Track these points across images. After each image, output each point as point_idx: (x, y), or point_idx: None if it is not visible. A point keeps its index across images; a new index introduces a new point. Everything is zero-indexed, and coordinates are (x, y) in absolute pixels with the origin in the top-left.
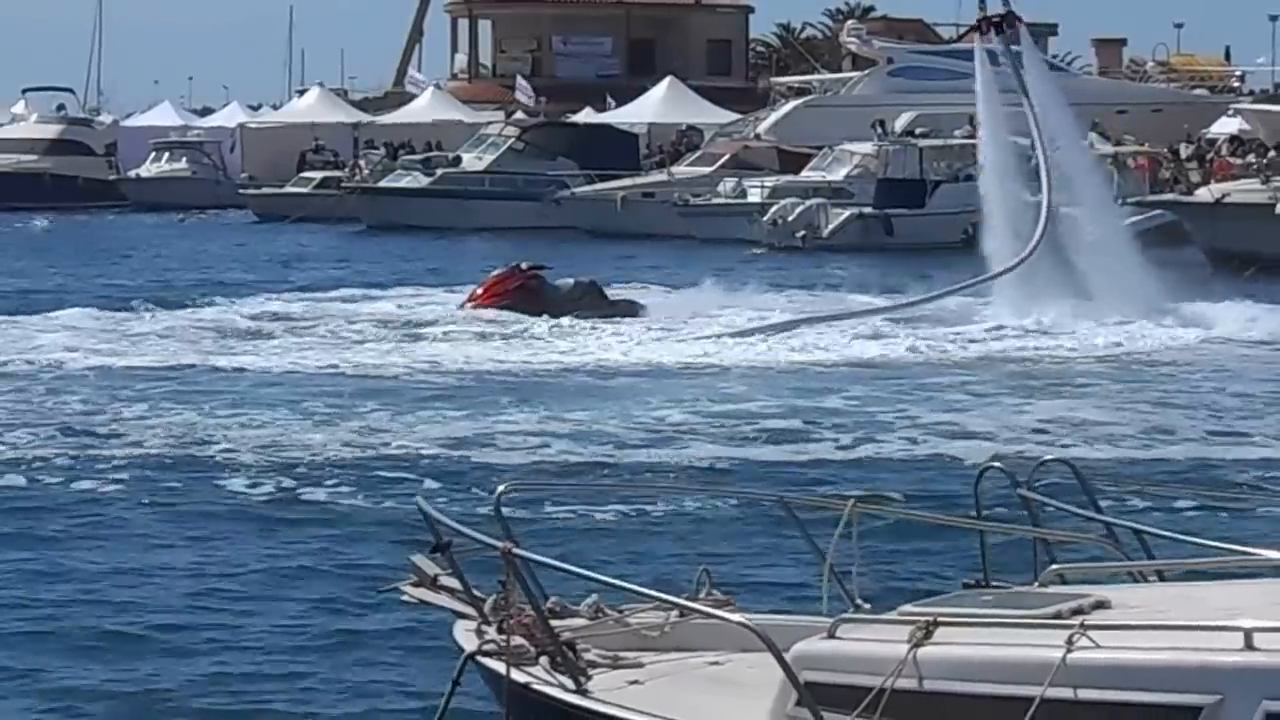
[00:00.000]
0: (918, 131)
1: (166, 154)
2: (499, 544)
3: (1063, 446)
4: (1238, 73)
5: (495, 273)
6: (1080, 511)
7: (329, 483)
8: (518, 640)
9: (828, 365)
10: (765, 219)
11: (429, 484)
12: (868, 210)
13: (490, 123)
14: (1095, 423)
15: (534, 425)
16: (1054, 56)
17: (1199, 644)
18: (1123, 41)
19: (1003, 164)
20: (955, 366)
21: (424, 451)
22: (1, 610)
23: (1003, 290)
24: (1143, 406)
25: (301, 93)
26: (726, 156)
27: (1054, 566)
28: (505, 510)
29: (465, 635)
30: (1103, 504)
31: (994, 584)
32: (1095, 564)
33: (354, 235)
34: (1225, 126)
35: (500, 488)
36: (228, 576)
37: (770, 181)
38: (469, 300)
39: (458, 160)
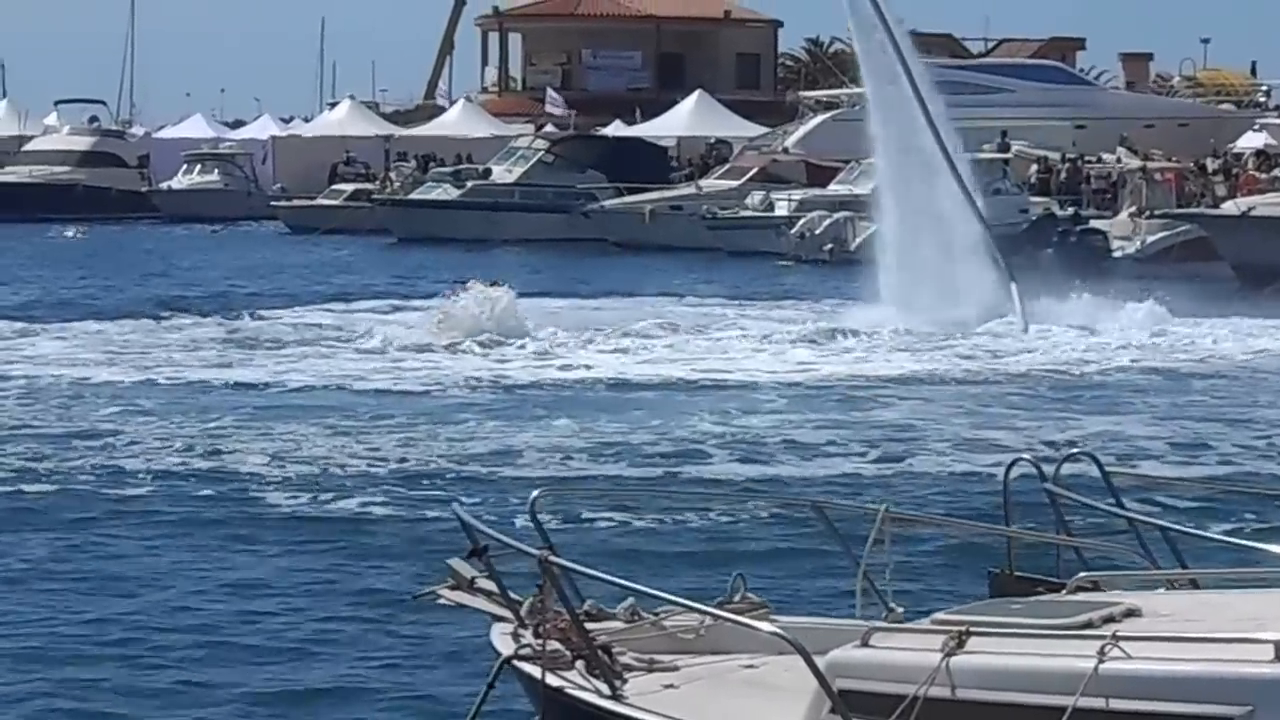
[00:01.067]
0: None
1: (198, 166)
2: (534, 550)
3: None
4: (1264, 87)
5: None
6: (1105, 506)
7: (361, 492)
8: (553, 644)
9: (857, 379)
10: (793, 232)
11: (461, 493)
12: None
13: (520, 135)
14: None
15: (559, 439)
16: (1081, 71)
17: (1230, 655)
18: (1150, 56)
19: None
20: (985, 379)
21: (455, 462)
22: (37, 622)
23: (893, 291)
24: (1189, 420)
25: (333, 105)
26: (755, 170)
27: (1083, 574)
28: (540, 518)
29: (501, 639)
30: (1127, 501)
31: (1019, 575)
32: (1125, 572)
33: (384, 247)
34: (1251, 141)
35: (535, 493)
36: (263, 582)
37: (798, 195)
38: None
39: (488, 173)
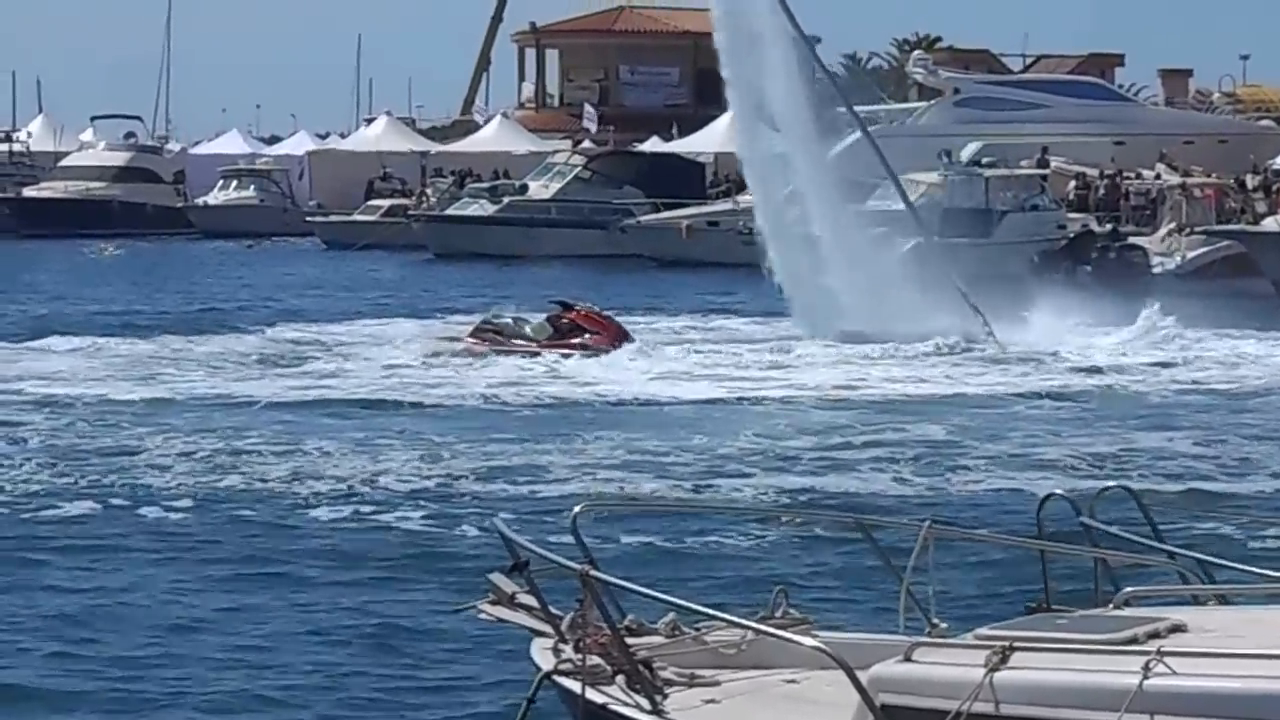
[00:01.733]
0: (984, 161)
1: (234, 181)
2: (575, 565)
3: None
4: None
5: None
6: (1142, 540)
7: (397, 507)
8: (594, 659)
9: (895, 395)
10: None
11: (498, 508)
12: (933, 239)
13: (557, 151)
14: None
15: (596, 454)
16: (1120, 87)
17: (1276, 671)
18: (1189, 72)
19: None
20: (1024, 397)
21: (492, 477)
22: (80, 643)
23: (800, 307)
24: (1236, 439)
25: (369, 121)
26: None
27: (1127, 589)
28: (581, 533)
29: (542, 654)
30: (1166, 530)
31: (1055, 606)
32: (1168, 588)
33: (420, 263)
34: None
35: (576, 508)
36: (301, 598)
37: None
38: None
39: (524, 188)
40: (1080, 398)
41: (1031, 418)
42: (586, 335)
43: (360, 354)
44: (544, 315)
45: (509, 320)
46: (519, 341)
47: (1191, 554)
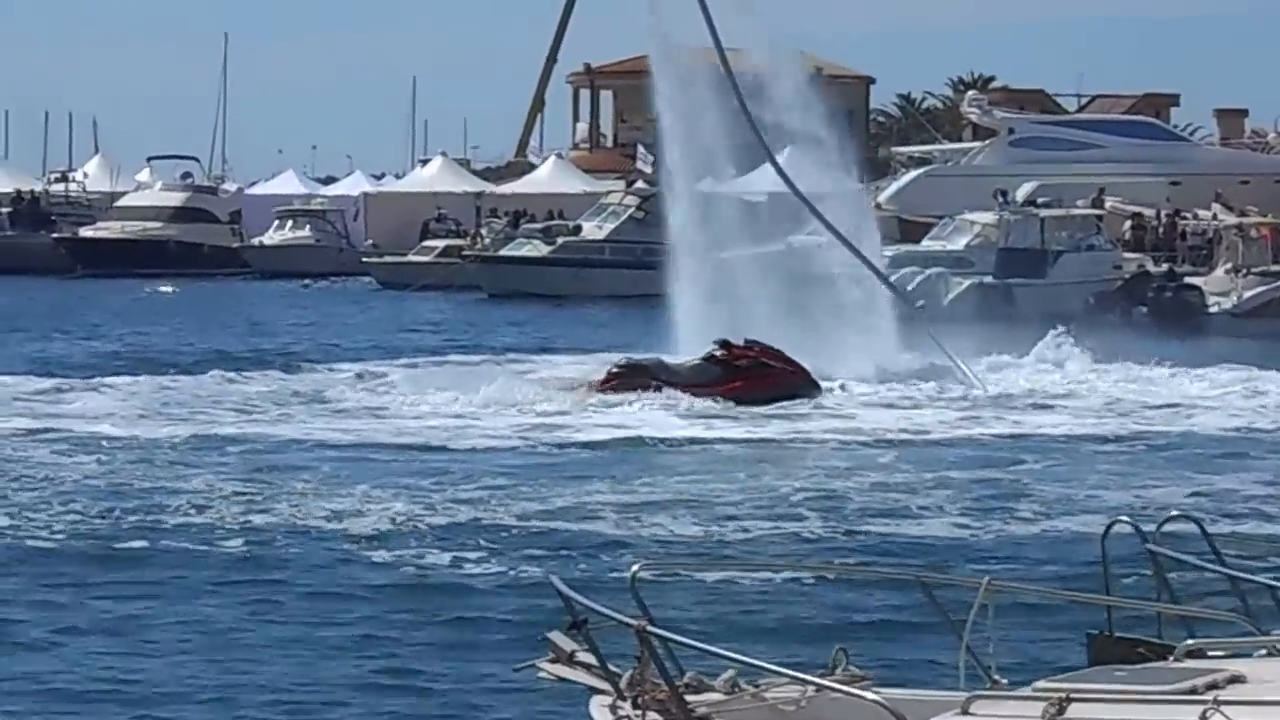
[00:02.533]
0: (1039, 201)
1: (290, 221)
2: (633, 621)
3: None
4: None
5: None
6: (1209, 566)
7: (447, 556)
8: (653, 715)
9: (948, 436)
10: None
11: (555, 555)
12: (988, 280)
13: (611, 192)
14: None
15: (647, 495)
16: (1176, 127)
17: None
18: (1244, 112)
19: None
20: (1080, 436)
21: (548, 523)
22: (150, 683)
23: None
24: None
25: (424, 162)
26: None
27: (1189, 641)
28: (638, 589)
29: (600, 711)
30: (1230, 561)
31: (1118, 636)
32: (1230, 639)
33: (474, 303)
34: None
35: (634, 568)
36: (353, 653)
37: (890, 250)
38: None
39: (578, 229)
40: (1140, 439)
41: (1080, 455)
42: (773, 371)
43: (409, 394)
44: (701, 355)
45: (653, 361)
46: (673, 383)
47: (1257, 580)
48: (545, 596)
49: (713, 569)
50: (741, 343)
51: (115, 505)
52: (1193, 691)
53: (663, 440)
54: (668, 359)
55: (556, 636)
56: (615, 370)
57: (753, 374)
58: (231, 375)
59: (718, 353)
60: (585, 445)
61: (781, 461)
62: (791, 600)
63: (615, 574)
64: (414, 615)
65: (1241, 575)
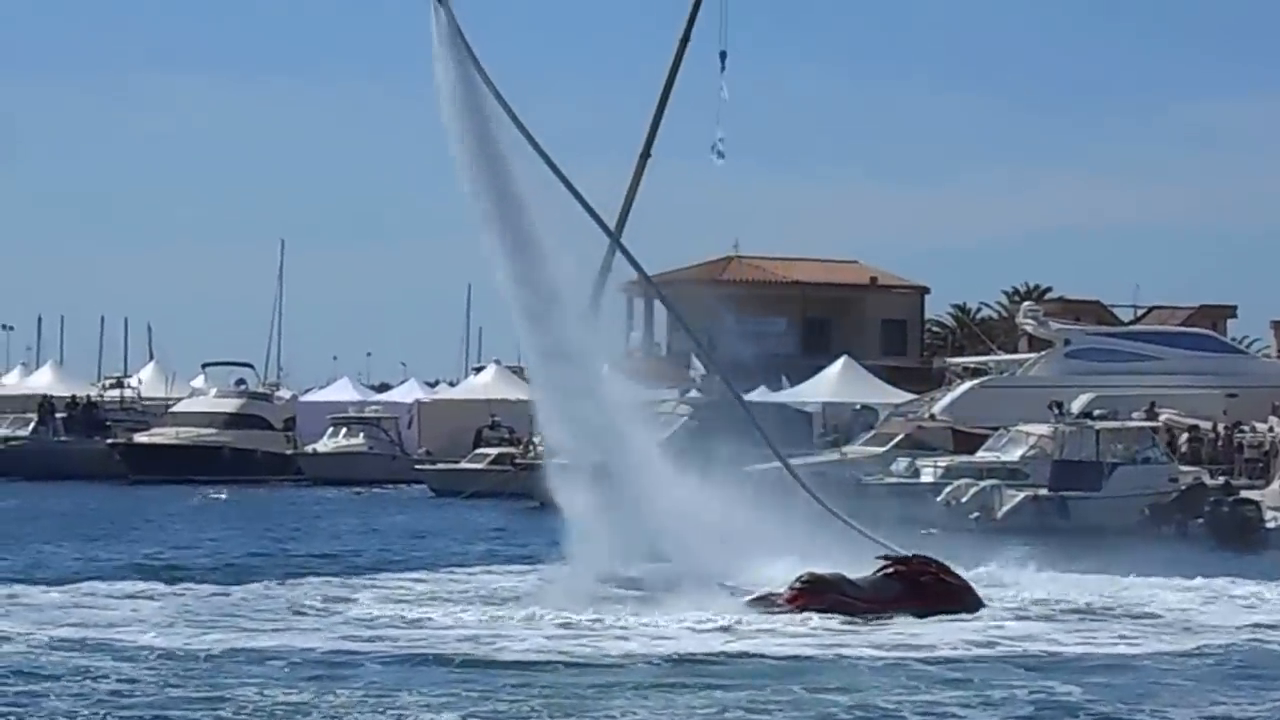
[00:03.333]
0: (1095, 413)
1: (344, 429)
2: None
3: None
4: None
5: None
6: None
7: None
8: None
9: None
10: (939, 499)
11: None
12: (1043, 492)
13: (664, 400)
14: None
15: (692, 704)
16: (1233, 339)
17: None
18: None
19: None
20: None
21: None
22: None
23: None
24: None
25: (478, 370)
26: (901, 435)
27: None
28: None
29: None
30: None
31: None
32: None
33: (526, 511)
34: None
35: None
36: None
37: (944, 462)
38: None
39: None
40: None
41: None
42: (953, 588)
43: (460, 602)
44: (875, 570)
45: (836, 576)
46: (859, 599)
47: None
48: None
49: None
50: (910, 556)
51: (161, 714)
52: None
53: (706, 652)
54: (847, 574)
55: None
56: (801, 586)
57: (936, 590)
58: (274, 583)
59: (896, 568)
60: (620, 657)
61: (822, 676)
62: None
63: None
64: None
65: None
